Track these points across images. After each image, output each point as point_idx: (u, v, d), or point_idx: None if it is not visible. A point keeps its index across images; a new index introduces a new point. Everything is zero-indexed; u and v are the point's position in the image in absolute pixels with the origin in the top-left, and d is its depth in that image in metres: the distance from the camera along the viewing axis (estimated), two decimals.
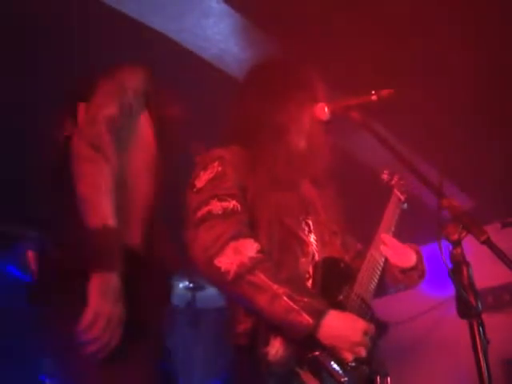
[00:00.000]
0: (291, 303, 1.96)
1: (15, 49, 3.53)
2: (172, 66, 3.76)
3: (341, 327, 2.00)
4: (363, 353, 2.01)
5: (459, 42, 3.66)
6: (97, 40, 3.45)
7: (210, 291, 4.18)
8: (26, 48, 3.53)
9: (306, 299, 1.98)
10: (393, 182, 2.56)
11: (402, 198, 2.54)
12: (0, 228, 5.09)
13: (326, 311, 1.99)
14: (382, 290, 2.42)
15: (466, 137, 4.58)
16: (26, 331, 4.78)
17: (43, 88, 3.77)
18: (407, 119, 4.22)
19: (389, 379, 2.19)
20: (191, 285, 4.29)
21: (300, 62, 2.54)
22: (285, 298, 1.96)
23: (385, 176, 2.58)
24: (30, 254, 3.98)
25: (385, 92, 2.19)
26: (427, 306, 6.04)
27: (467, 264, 1.70)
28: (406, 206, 2.58)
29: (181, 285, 4.39)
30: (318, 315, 1.97)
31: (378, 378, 2.17)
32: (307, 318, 1.95)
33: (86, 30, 3.41)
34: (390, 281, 2.43)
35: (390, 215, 2.46)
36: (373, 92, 2.18)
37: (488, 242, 1.73)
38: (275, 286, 1.97)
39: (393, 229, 2.44)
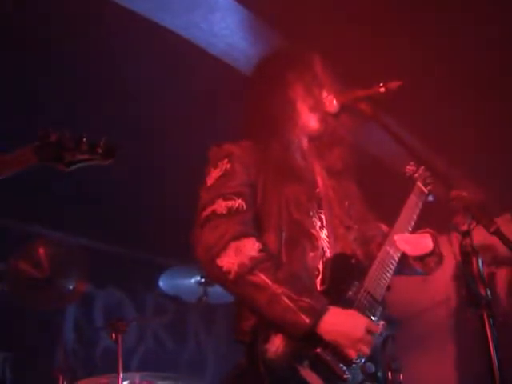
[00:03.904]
0: (289, 303, 1.98)
1: None
2: (180, 61, 3.77)
3: (341, 324, 2.01)
4: (365, 350, 2.02)
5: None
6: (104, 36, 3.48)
7: None
8: None
9: (304, 298, 2.00)
10: (416, 175, 2.48)
11: (426, 190, 2.46)
12: (12, 225, 5.13)
13: (324, 310, 2.00)
14: (399, 273, 2.40)
15: (477, 129, 4.56)
16: (39, 328, 4.83)
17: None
18: (416, 110, 4.21)
19: (401, 376, 2.17)
20: (203, 280, 4.28)
21: (308, 52, 2.53)
22: (283, 298, 1.98)
23: (409, 168, 2.51)
24: (42, 251, 4.02)
25: (393, 84, 2.17)
26: (440, 299, 6.02)
27: (477, 254, 1.70)
28: (432, 198, 2.49)
29: (193, 280, 4.39)
30: (316, 314, 1.99)
31: (390, 374, 2.16)
32: (304, 318, 1.97)
33: (98, 27, 3.44)
34: (407, 268, 2.41)
35: (410, 209, 2.41)
36: (381, 84, 2.17)
37: (498, 233, 1.72)
38: (274, 286, 2.00)
39: (413, 222, 2.39)
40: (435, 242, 2.38)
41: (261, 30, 3.63)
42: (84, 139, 2.30)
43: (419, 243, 2.36)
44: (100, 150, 2.31)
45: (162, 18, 3.51)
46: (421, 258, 2.37)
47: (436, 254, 2.38)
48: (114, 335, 3.82)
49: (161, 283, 4.55)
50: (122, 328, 3.84)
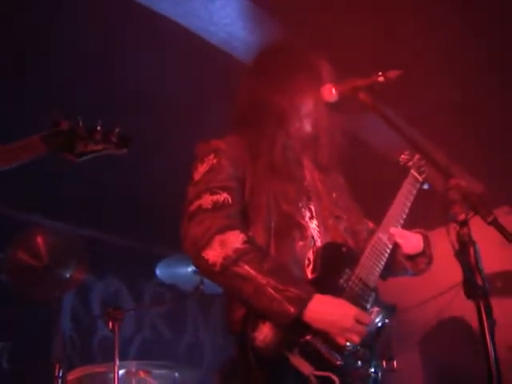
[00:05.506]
0: (274, 293, 2.00)
1: None
2: (180, 50, 3.76)
3: (328, 312, 2.03)
4: (355, 339, 2.03)
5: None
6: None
7: None
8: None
9: (290, 288, 2.01)
10: (410, 163, 2.49)
11: (421, 178, 2.48)
12: (10, 214, 5.12)
13: (309, 298, 2.02)
14: (390, 274, 2.43)
15: (475, 120, 4.56)
16: (36, 317, 4.83)
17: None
18: (416, 102, 4.20)
19: (395, 362, 2.19)
20: None
21: (306, 46, 2.53)
22: (268, 289, 2.00)
23: (404, 157, 2.51)
24: (40, 240, 4.01)
25: (392, 73, 2.16)
26: (438, 291, 6.04)
27: (473, 243, 1.69)
28: (426, 185, 2.51)
29: (189, 268, 4.39)
30: (301, 303, 2.00)
31: (384, 361, 2.17)
32: (289, 307, 1.99)
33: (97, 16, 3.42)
34: (398, 267, 2.43)
35: (404, 196, 2.42)
36: (379, 73, 2.16)
37: (495, 223, 1.72)
38: (259, 277, 2.02)
39: (406, 210, 2.40)
40: (426, 243, 2.42)
41: (261, 20, 3.62)
42: (98, 128, 2.21)
43: (411, 241, 2.39)
44: (114, 139, 2.24)
45: (162, 7, 3.49)
46: (411, 258, 2.40)
47: (426, 256, 2.42)
48: (110, 324, 3.83)
49: (158, 272, 4.56)
50: (119, 316, 3.84)
